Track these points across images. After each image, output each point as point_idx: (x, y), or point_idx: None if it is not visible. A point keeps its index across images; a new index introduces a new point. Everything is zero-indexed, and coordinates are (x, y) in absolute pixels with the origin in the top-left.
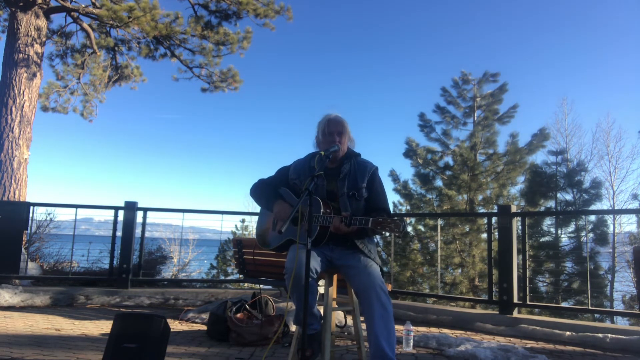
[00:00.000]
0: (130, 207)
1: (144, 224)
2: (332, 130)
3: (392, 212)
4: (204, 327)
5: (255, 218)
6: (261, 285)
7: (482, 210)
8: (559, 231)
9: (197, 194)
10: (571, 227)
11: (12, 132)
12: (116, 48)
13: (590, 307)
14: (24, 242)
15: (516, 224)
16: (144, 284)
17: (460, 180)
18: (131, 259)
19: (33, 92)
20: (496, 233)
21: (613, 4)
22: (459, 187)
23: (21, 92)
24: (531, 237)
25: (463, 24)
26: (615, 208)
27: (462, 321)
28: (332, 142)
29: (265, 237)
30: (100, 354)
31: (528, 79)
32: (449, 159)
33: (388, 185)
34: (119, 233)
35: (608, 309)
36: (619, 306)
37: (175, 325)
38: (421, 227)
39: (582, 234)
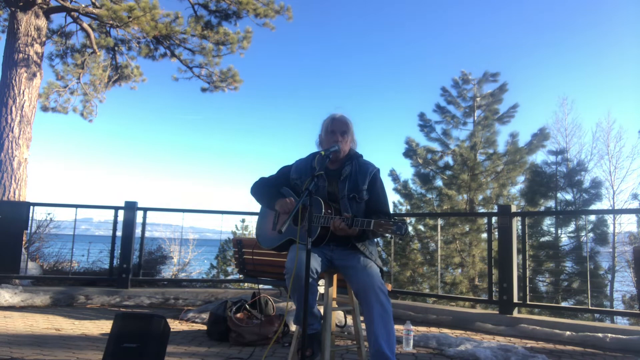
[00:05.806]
0: (130, 207)
1: (144, 224)
2: (335, 129)
3: (392, 213)
4: (204, 327)
5: (255, 218)
6: (261, 285)
7: (482, 210)
8: (559, 231)
9: (197, 194)
10: (571, 227)
11: (12, 132)
12: (116, 48)
13: (590, 307)
14: (24, 242)
15: (516, 223)
16: (144, 284)
17: (460, 180)
18: (131, 258)
19: (33, 92)
20: (496, 233)
21: (613, 3)
22: (459, 187)
23: (21, 92)
24: (531, 237)
25: (463, 24)
26: (615, 208)
27: (462, 321)
28: (334, 141)
29: (265, 236)
30: (100, 354)
31: (528, 79)
32: (449, 159)
33: (388, 185)
34: (119, 233)
35: (608, 309)
36: (619, 306)
37: (175, 325)
38: (421, 227)
39: (582, 234)
